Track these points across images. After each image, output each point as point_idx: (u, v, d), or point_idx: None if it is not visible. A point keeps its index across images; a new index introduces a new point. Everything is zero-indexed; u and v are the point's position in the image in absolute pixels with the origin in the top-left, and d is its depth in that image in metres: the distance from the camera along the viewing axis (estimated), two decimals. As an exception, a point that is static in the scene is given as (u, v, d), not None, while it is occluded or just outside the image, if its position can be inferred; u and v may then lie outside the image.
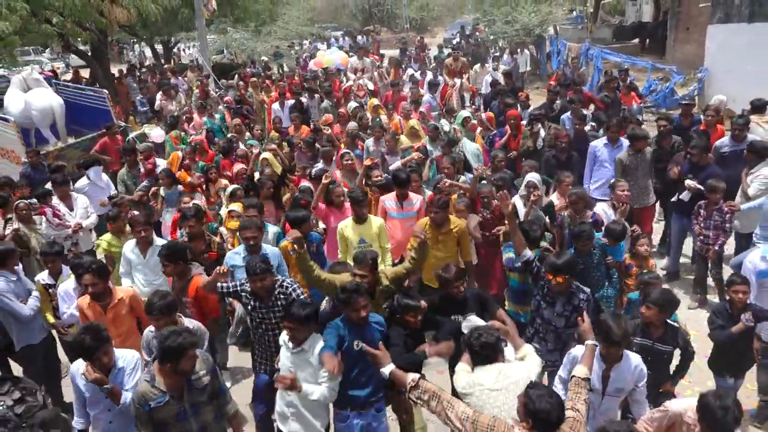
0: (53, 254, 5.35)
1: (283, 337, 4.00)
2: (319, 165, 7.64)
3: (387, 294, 4.42)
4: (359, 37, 27.47)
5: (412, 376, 3.19)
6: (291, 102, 11.28)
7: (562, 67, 15.27)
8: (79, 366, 3.81)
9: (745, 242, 6.12)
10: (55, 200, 7.05)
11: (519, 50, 15.43)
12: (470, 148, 8.17)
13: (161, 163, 8.27)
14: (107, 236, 6.08)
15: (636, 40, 22.75)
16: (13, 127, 9.67)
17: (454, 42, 23.54)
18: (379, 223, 5.76)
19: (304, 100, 11.83)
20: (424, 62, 17.79)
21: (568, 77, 12.07)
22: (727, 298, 4.46)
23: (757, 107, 7.61)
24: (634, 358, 3.69)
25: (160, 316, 4.11)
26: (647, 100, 10.99)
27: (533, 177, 6.14)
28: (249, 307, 4.43)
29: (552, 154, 7.51)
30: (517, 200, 6.09)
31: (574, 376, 3.29)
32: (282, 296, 4.39)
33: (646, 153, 6.82)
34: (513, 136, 8.33)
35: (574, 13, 30.50)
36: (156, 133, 10.35)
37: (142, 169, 8.15)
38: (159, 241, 5.62)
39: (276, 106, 11.33)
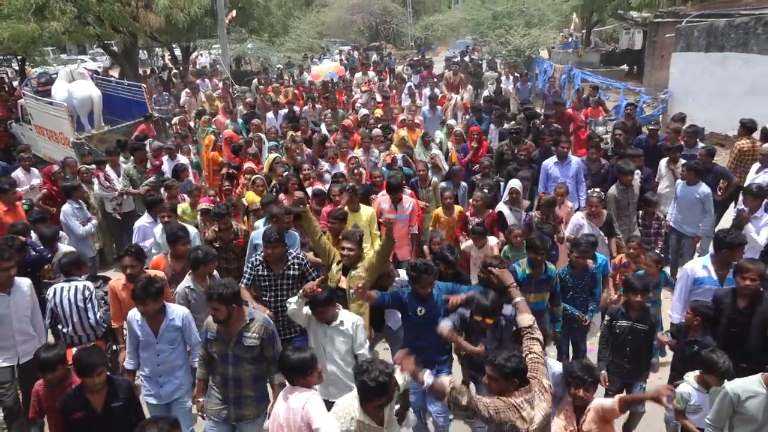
0: (49, 238, 6.00)
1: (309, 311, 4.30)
2: (326, 165, 8.46)
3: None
4: (385, 55, 27.79)
5: (449, 381, 3.31)
6: (284, 111, 12.07)
7: (546, 86, 16.81)
8: (135, 312, 4.30)
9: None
10: (108, 168, 8.59)
11: (507, 75, 16.53)
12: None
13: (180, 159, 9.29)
14: (185, 205, 7.15)
15: (624, 66, 24.57)
16: (65, 111, 11.21)
17: (455, 60, 25.17)
18: (370, 212, 6.30)
19: (297, 108, 12.47)
20: (427, 77, 19.02)
21: (549, 97, 13.52)
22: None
23: (679, 119, 9.15)
24: (555, 366, 3.91)
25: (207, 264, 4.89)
26: (611, 114, 12.53)
27: (515, 183, 6.73)
28: (262, 275, 4.96)
29: (513, 167, 7.93)
30: (502, 206, 6.65)
31: (523, 326, 3.57)
32: (297, 266, 5.02)
33: (635, 187, 6.96)
34: (475, 150, 8.83)
35: (570, 39, 32.37)
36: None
37: (149, 166, 8.84)
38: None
39: (270, 114, 12.06)
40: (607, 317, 4.81)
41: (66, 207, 7.22)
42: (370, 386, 3.23)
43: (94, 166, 8.47)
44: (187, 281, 4.94)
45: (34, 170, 8.83)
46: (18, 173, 8.51)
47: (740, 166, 7.60)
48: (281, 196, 7.04)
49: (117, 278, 5.08)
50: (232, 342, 3.95)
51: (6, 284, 4.73)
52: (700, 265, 5.06)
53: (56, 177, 7.93)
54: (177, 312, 4.39)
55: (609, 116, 12.18)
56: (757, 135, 7.89)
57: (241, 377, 3.99)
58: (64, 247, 6.31)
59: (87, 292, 4.97)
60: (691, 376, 4.13)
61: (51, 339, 5.07)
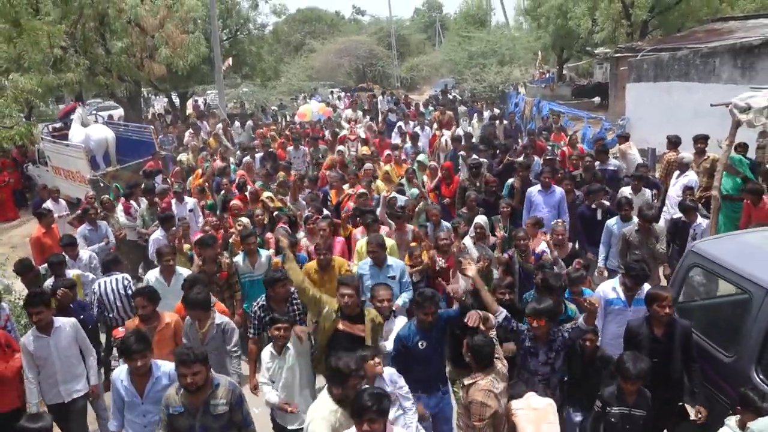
0: (56, 264, 6.44)
1: (268, 350, 4.50)
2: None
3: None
4: (380, 97, 26.80)
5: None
6: (260, 154, 12.51)
7: (516, 118, 18.10)
8: (120, 372, 4.19)
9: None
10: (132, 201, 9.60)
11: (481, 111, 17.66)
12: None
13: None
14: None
15: (597, 98, 26.36)
16: (83, 152, 12.53)
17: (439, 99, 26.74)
18: (391, 243, 6.38)
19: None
20: (413, 116, 19.02)
21: (509, 129, 14.74)
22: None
23: (622, 137, 10.59)
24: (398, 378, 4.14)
25: (200, 311, 4.87)
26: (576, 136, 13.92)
27: (480, 219, 6.79)
28: (266, 318, 5.02)
29: (482, 198, 8.22)
30: (467, 241, 6.67)
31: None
32: (296, 304, 5.20)
33: (655, 231, 6.57)
34: (446, 184, 9.09)
35: (548, 75, 34.41)
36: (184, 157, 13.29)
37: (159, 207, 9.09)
38: (180, 270, 6.22)
39: (247, 158, 11.89)
40: (598, 403, 4.20)
41: (80, 228, 8.32)
42: (335, 371, 3.58)
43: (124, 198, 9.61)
44: (189, 319, 5.04)
45: (62, 201, 10.08)
46: (48, 204, 9.74)
47: (668, 175, 8.94)
48: (267, 234, 7.34)
49: (131, 320, 5.24)
50: (199, 413, 3.72)
51: (45, 327, 4.81)
52: (610, 287, 5.18)
53: (90, 201, 9.20)
54: (164, 369, 4.17)
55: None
56: (681, 149, 9.26)
57: None
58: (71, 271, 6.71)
59: (126, 281, 6.17)
60: (732, 420, 3.81)
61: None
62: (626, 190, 7.95)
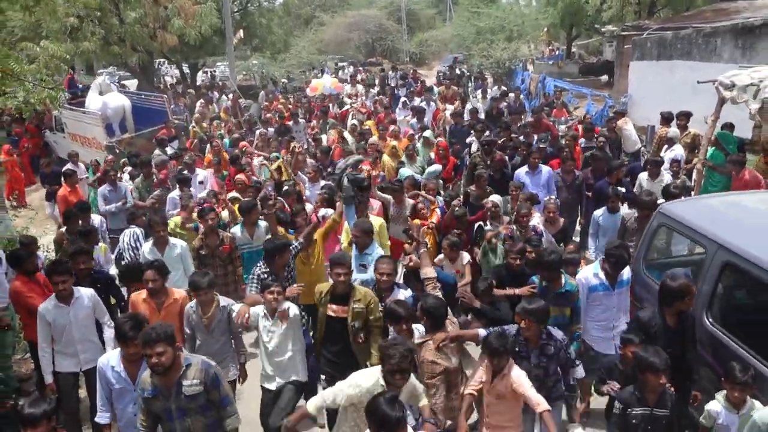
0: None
1: (261, 309, 4.50)
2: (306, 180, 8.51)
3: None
4: (391, 72, 26.00)
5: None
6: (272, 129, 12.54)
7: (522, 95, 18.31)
8: (110, 359, 4.03)
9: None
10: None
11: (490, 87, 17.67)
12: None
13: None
14: (177, 219, 7.18)
15: (604, 76, 26.49)
16: (99, 119, 13.04)
17: (446, 74, 26.97)
18: (380, 222, 6.31)
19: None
20: (420, 92, 18.82)
21: (512, 106, 14.61)
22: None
23: (619, 112, 10.96)
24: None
25: (207, 290, 4.62)
26: (574, 116, 14.31)
27: (495, 198, 6.85)
28: (267, 280, 4.75)
29: (489, 173, 8.00)
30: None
31: (427, 277, 4.58)
32: (291, 272, 5.33)
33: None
34: (443, 165, 9.08)
35: (558, 52, 34.43)
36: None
37: (155, 179, 9.17)
38: (173, 241, 6.22)
39: (261, 130, 12.26)
40: (618, 405, 4.00)
41: (101, 188, 8.72)
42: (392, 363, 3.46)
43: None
44: (194, 302, 4.85)
45: (81, 165, 10.64)
46: (69, 166, 10.29)
47: (660, 149, 9.34)
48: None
49: (138, 292, 5.03)
50: (173, 395, 3.61)
51: (65, 296, 4.81)
52: (591, 273, 5.04)
53: (110, 163, 9.71)
54: None
55: (571, 117, 13.97)
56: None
57: (192, 430, 3.71)
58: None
59: (135, 236, 6.68)
60: (721, 394, 3.83)
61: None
62: (644, 176, 7.80)
